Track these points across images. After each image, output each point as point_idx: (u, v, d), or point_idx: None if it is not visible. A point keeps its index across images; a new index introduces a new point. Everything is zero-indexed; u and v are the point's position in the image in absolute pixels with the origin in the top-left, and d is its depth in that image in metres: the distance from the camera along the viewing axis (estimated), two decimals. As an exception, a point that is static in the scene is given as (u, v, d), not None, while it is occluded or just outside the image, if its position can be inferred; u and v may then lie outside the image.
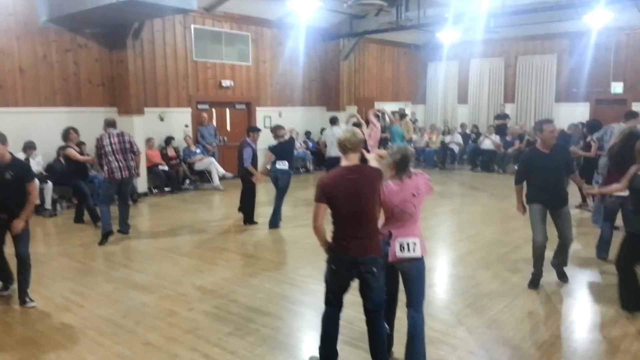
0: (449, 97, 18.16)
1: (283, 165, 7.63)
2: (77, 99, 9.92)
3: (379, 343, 3.47)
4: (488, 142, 14.39)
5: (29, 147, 8.88)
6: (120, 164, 7.16)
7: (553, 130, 4.88)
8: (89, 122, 9.54)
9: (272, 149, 7.80)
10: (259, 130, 8.05)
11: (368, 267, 3.33)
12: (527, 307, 4.69)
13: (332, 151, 9.51)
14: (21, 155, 8.70)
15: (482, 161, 14.53)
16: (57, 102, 9.62)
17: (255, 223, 8.06)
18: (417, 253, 3.38)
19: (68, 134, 7.92)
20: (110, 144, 7.13)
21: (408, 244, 3.37)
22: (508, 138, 14.30)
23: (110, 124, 7.38)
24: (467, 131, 16.09)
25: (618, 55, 14.51)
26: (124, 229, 7.49)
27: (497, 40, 16.30)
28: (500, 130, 14.74)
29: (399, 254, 3.38)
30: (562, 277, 5.33)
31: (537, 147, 4.98)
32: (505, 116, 15.63)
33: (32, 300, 4.84)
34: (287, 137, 7.81)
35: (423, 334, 3.48)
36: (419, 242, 3.40)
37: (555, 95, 15.86)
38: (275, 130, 7.85)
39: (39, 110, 9.32)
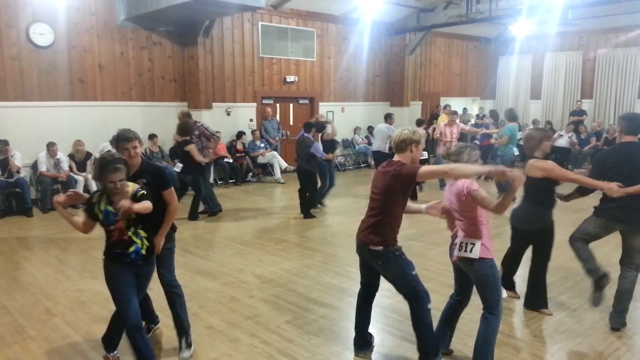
0: (521, 92, 17.40)
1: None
2: (151, 94, 10.42)
3: (416, 331, 3.44)
4: (563, 140, 13.66)
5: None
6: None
7: None
8: (161, 116, 10.03)
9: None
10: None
11: (370, 256, 3.44)
12: (596, 313, 4.41)
13: (375, 145, 9.91)
14: (108, 147, 9.31)
15: (555, 159, 13.80)
16: (133, 97, 10.16)
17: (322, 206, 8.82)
18: (473, 254, 3.28)
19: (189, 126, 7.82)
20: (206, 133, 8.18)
21: (466, 244, 3.31)
22: (582, 136, 13.51)
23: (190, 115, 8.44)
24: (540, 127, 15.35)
25: None
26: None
27: (575, 33, 15.41)
28: (575, 127, 13.97)
29: (456, 252, 3.37)
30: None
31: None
32: (582, 113, 14.76)
33: (189, 347, 3.76)
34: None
35: (489, 335, 3.32)
36: (479, 244, 3.29)
37: (638, 91, 14.79)
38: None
39: (115, 105, 9.88)
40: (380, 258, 3.38)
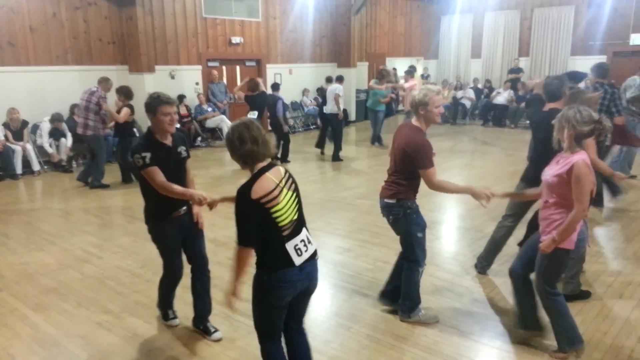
0: (462, 51, 17.81)
1: (252, 115, 8.83)
2: (88, 58, 9.94)
3: (402, 287, 3.64)
4: (502, 97, 14.21)
5: (58, 119, 9.05)
6: (79, 121, 7.74)
7: None
8: (101, 80, 9.58)
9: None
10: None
11: (383, 211, 3.55)
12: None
13: (328, 107, 9.91)
14: (47, 126, 8.90)
15: (494, 116, 14.39)
16: (69, 61, 9.65)
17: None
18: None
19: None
20: (81, 100, 7.69)
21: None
22: (520, 92, 14.12)
23: (101, 81, 7.90)
24: (480, 86, 15.86)
25: None
26: (85, 181, 7.95)
27: (513, -8, 15.83)
28: (513, 84, 14.54)
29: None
30: None
31: None
32: (518, 70, 15.35)
33: (216, 330, 3.63)
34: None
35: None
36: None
37: (571, 49, 15.51)
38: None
39: (50, 69, 9.37)
40: (391, 212, 3.47)
